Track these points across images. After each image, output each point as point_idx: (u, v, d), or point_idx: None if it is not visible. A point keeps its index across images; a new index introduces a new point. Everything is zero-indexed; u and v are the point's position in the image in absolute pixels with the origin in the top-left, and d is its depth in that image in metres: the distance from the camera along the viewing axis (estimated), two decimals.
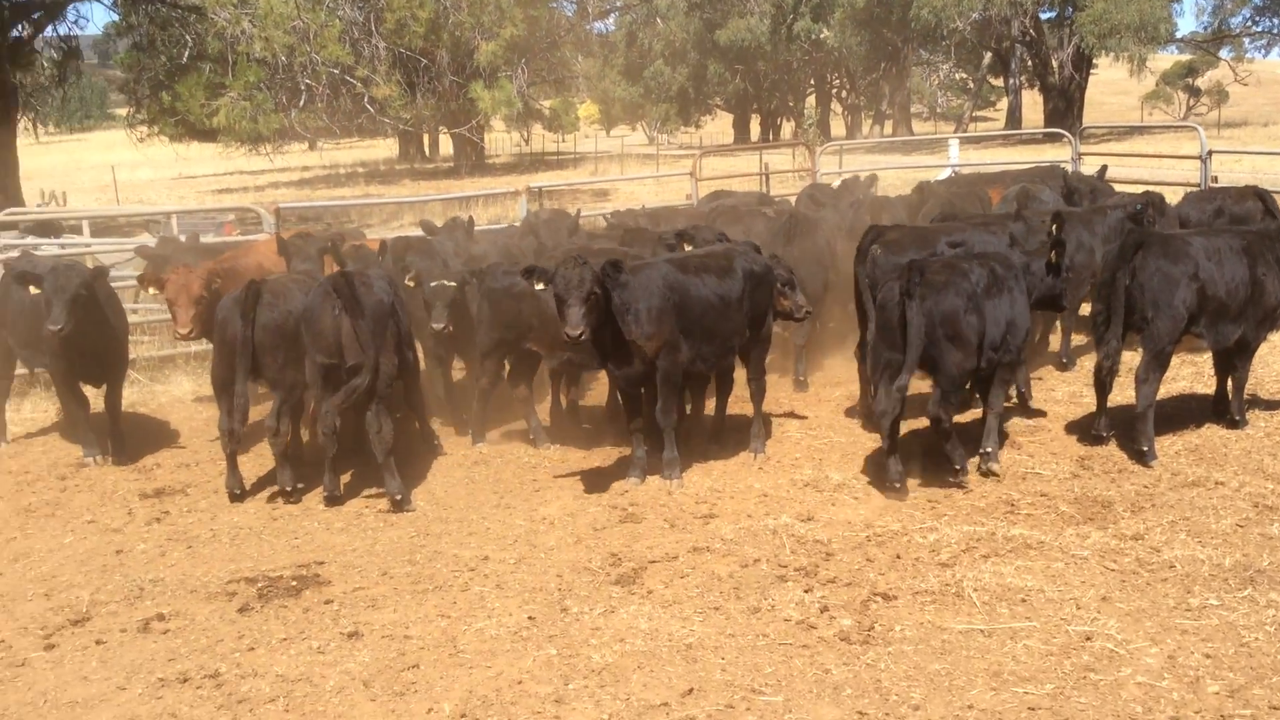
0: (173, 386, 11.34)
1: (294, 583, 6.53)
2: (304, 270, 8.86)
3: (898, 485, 7.59)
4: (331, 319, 7.59)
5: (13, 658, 5.80)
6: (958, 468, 7.67)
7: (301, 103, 24.47)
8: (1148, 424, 8.02)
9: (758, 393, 8.72)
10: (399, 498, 7.67)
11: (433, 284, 8.83)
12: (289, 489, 7.91)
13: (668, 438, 8.03)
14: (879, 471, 7.97)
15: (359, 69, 23.91)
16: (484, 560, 6.80)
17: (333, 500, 7.84)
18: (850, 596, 6.08)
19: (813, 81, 71.19)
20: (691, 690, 5.17)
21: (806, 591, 6.15)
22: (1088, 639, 5.51)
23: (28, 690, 5.46)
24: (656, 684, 5.24)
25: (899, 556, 6.61)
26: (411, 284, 8.98)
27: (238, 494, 8.05)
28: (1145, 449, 7.98)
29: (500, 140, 64.55)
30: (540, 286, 7.54)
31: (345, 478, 8.24)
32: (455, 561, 6.80)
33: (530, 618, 5.95)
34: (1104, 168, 13.68)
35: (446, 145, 58.29)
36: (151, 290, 8.97)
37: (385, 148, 61.69)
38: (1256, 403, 9.15)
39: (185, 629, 6.03)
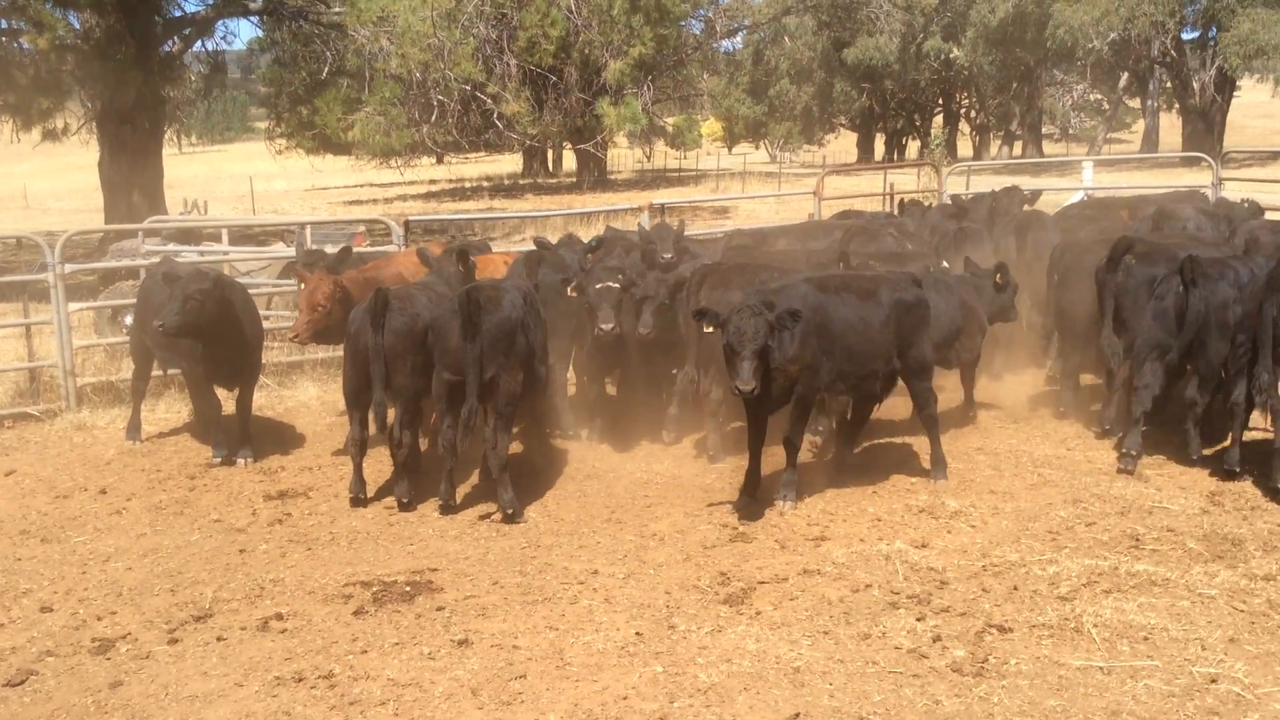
0: (299, 392, 11.74)
1: (407, 588, 6.69)
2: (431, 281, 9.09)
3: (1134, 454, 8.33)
4: (459, 335, 7.75)
5: (138, 650, 6.06)
6: (1194, 457, 8.38)
7: (433, 118, 25.11)
8: None
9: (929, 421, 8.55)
10: (511, 510, 7.79)
11: (598, 286, 8.90)
12: (405, 500, 8.10)
13: (791, 459, 8.00)
14: (995, 500, 7.83)
15: (490, 86, 24.45)
16: (593, 574, 6.86)
17: (448, 509, 8.01)
18: (964, 627, 5.96)
19: (940, 101, 70.15)
20: (798, 714, 5.13)
21: (919, 620, 6.05)
22: (1213, 681, 5.29)
23: (150, 683, 5.69)
24: (762, 706, 5.22)
25: (1016, 588, 6.45)
26: (573, 294, 9.08)
27: (361, 499, 8.29)
28: None
29: (623, 157, 65.22)
30: (709, 330, 7.54)
31: (463, 488, 8.43)
32: (565, 574, 6.88)
33: (638, 633, 5.98)
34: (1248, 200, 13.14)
35: (570, 161, 59.15)
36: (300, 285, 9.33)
37: (510, 162, 62.95)
38: None
39: (302, 629, 6.23)
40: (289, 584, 6.88)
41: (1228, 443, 8.30)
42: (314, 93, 29.68)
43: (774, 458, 8.20)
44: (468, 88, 23.46)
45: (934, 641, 5.79)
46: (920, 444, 9.00)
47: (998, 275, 10.01)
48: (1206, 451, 8.63)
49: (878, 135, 74.73)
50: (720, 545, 7.29)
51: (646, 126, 38.16)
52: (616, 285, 8.72)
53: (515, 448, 9.36)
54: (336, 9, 24.90)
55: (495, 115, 26.00)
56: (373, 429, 8.31)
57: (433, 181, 54.26)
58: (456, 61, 21.74)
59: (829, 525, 7.58)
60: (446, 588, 6.71)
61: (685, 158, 65.79)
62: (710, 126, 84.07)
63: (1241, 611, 6.04)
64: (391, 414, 8.25)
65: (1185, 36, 48.74)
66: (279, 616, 6.40)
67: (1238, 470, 8.11)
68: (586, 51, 29.61)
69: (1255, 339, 7.84)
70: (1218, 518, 7.47)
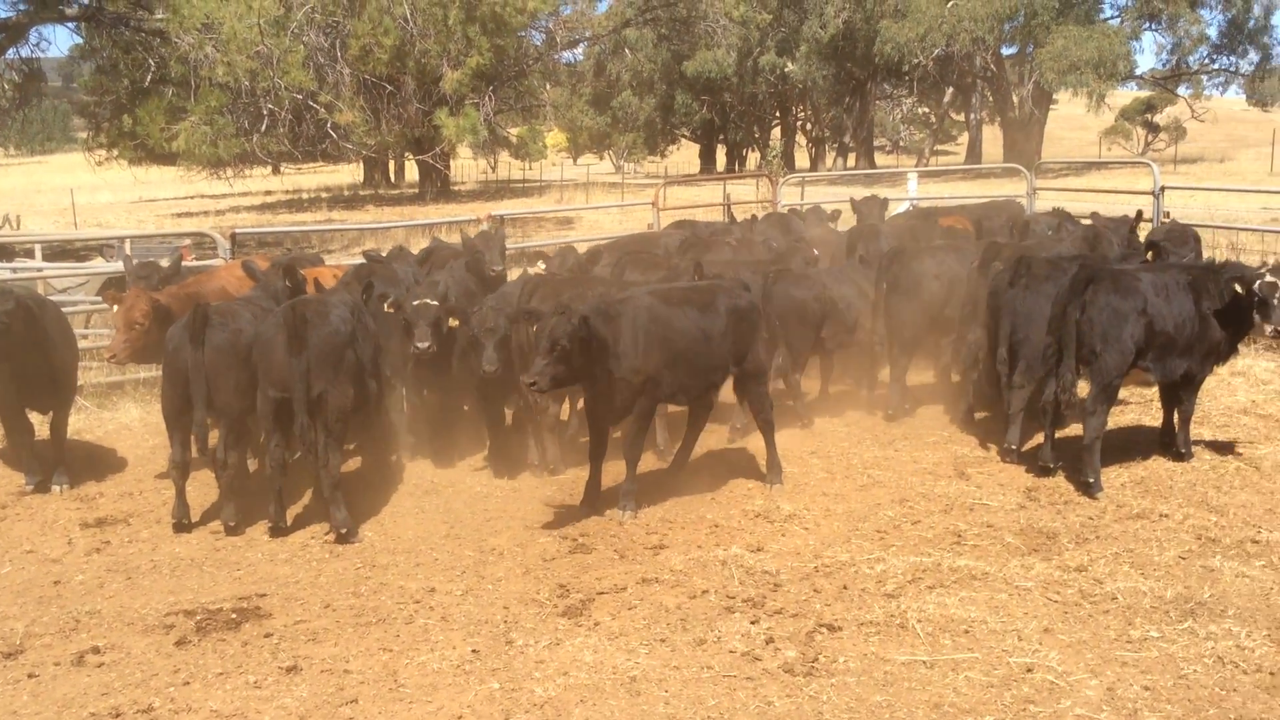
0: (120, 413, 11.19)
1: (234, 615, 6.44)
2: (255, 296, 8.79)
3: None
4: (284, 350, 7.52)
5: None
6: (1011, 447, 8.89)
7: (263, 127, 24.36)
8: (1095, 456, 8.11)
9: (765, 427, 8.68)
10: (344, 530, 7.59)
11: (415, 303, 8.70)
12: (232, 523, 7.80)
13: (631, 469, 8.04)
14: (828, 502, 8.06)
15: (323, 94, 23.87)
16: (430, 592, 6.74)
17: (277, 532, 7.75)
18: (796, 628, 6.08)
19: (778, 113, 71.91)
20: None
21: (753, 623, 6.15)
22: (1029, 670, 5.54)
23: None
24: (598, 717, 5.21)
25: (846, 587, 6.62)
26: (390, 309, 8.86)
27: (184, 525, 7.94)
28: (1091, 480, 8.06)
29: (466, 167, 64.58)
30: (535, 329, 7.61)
31: (294, 509, 8.17)
32: (400, 593, 6.73)
33: (474, 651, 5.90)
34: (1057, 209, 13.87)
35: (413, 171, 58.21)
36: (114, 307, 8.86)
37: (350, 173, 61.55)
38: (1202, 436, 9.26)
39: (120, 662, 5.92)
40: (107, 615, 6.54)
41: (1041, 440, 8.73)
42: (136, 101, 28.41)
43: (616, 468, 8.23)
44: (299, 96, 22.87)
45: (767, 644, 5.89)
46: (756, 450, 9.16)
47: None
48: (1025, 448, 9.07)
49: (719, 147, 76.10)
50: (560, 557, 7.26)
51: (489, 137, 37.82)
52: (435, 303, 8.59)
53: (349, 465, 9.14)
54: (159, 15, 23.90)
55: (329, 125, 25.39)
56: (196, 451, 7.98)
57: (268, 193, 52.61)
58: (286, 70, 21.19)
59: (668, 533, 7.64)
60: (275, 613, 6.48)
61: (530, 168, 65.66)
62: (555, 137, 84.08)
63: (1055, 602, 6.34)
64: (215, 434, 7.94)
65: (1005, 52, 51.29)
66: (96, 650, 6.07)
67: (1052, 466, 8.53)
68: (423, 61, 29.21)
69: (1060, 340, 8.26)
70: (1034, 513, 7.83)
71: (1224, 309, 8.42)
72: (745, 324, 8.33)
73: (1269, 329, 8.27)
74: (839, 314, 10.21)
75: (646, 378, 7.74)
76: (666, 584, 6.74)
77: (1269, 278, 8.18)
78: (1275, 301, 8.14)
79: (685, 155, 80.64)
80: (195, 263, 13.34)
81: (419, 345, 8.50)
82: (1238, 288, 8.29)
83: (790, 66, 57.65)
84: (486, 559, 7.27)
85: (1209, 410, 9.98)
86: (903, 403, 10.33)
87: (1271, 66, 53.14)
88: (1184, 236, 11.53)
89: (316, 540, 7.69)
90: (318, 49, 24.39)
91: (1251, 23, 51.92)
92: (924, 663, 5.67)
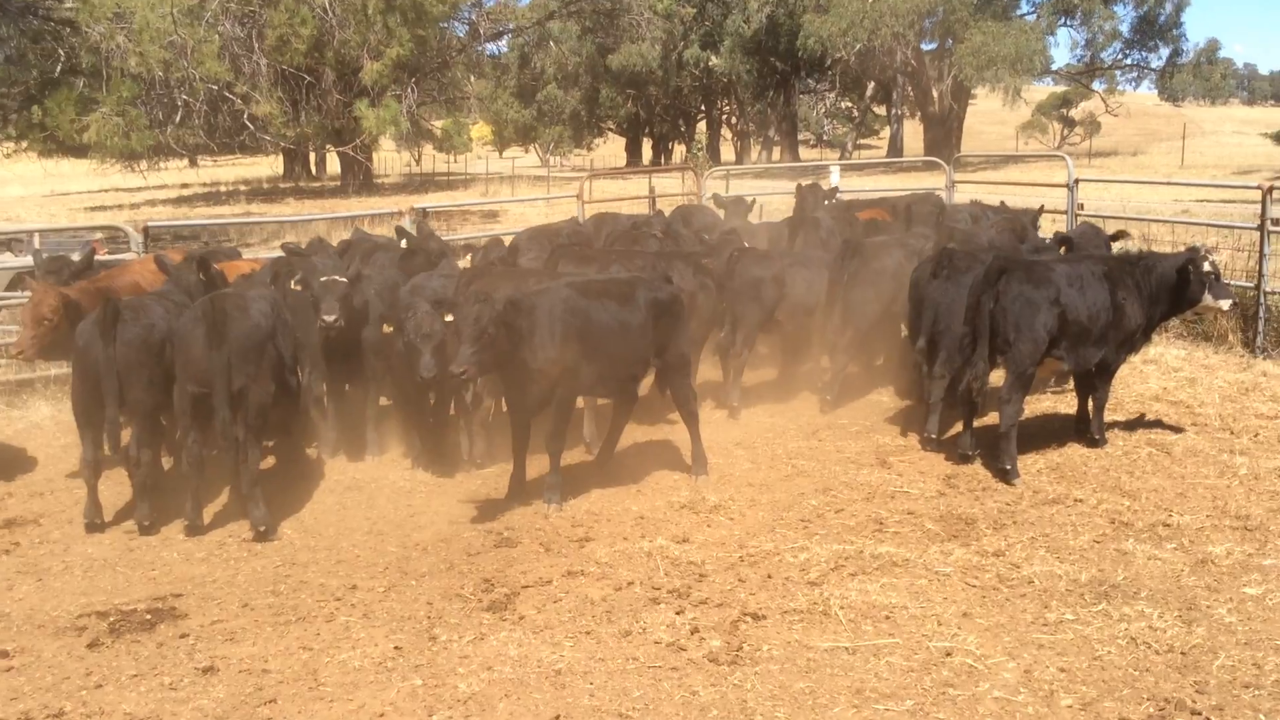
0: (31, 412, 10.86)
1: (148, 616, 6.28)
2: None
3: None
4: (203, 345, 7.35)
5: None
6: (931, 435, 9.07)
7: (178, 119, 23.77)
8: (1011, 443, 8.27)
9: (690, 419, 8.68)
10: (263, 528, 7.45)
11: (323, 279, 8.57)
12: (146, 523, 7.61)
13: (554, 461, 8.01)
14: (753, 492, 8.11)
15: (238, 85, 23.35)
16: (351, 589, 6.64)
17: (194, 530, 7.58)
18: (721, 617, 6.10)
19: (703, 107, 72.20)
20: (558, 717, 5.12)
21: (678, 613, 6.16)
22: (948, 655, 5.62)
23: None
24: (523, 712, 5.18)
25: (770, 576, 6.67)
26: (298, 287, 8.70)
27: (97, 524, 7.73)
28: (1008, 467, 8.22)
29: (390, 160, 63.79)
30: (449, 318, 7.56)
31: (211, 507, 8.00)
32: (321, 591, 6.63)
33: (397, 648, 5.83)
34: (973, 201, 14.13)
35: (334, 164, 57.33)
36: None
37: (269, 166, 60.43)
38: (1115, 422, 9.50)
39: (30, 666, 5.74)
40: (16, 618, 6.34)
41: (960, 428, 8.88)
42: (46, 92, 27.54)
43: (543, 462, 8.18)
44: (214, 87, 22.34)
45: (692, 634, 5.90)
46: (682, 442, 9.18)
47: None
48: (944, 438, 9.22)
49: (645, 140, 76.22)
50: (485, 551, 7.21)
51: (411, 130, 37.35)
52: (343, 279, 8.50)
53: (269, 462, 8.98)
54: (68, 4, 23.19)
55: (246, 116, 24.85)
56: (108, 448, 7.78)
57: (185, 186, 51.41)
58: (201, 60, 20.70)
59: (593, 526, 7.62)
60: (191, 613, 6.34)
61: (455, 161, 65.08)
62: (480, 130, 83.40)
63: (974, 587, 6.45)
64: (128, 432, 7.74)
65: (925, 48, 52.02)
66: (5, 654, 5.89)
67: (970, 454, 8.68)
68: (342, 51, 28.71)
69: (975, 330, 8.40)
70: (953, 499, 7.97)
71: (1154, 293, 8.71)
72: (667, 316, 8.33)
73: (1225, 304, 8.95)
74: (794, 296, 10.32)
75: (564, 369, 7.71)
76: (592, 576, 6.72)
77: (1212, 256, 8.72)
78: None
79: (612, 149, 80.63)
80: (108, 257, 12.98)
81: (326, 318, 8.40)
82: (1190, 268, 8.66)
83: (714, 60, 57.92)
84: (410, 554, 7.19)
85: (1122, 397, 10.23)
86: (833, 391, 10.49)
87: (1181, 62, 54.60)
88: (1097, 240, 11.84)
89: (234, 538, 7.54)
90: (233, 39, 23.83)
91: (1162, 18, 53.34)
92: (846, 649, 5.73)
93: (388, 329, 8.45)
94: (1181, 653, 5.59)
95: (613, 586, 6.56)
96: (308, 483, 8.66)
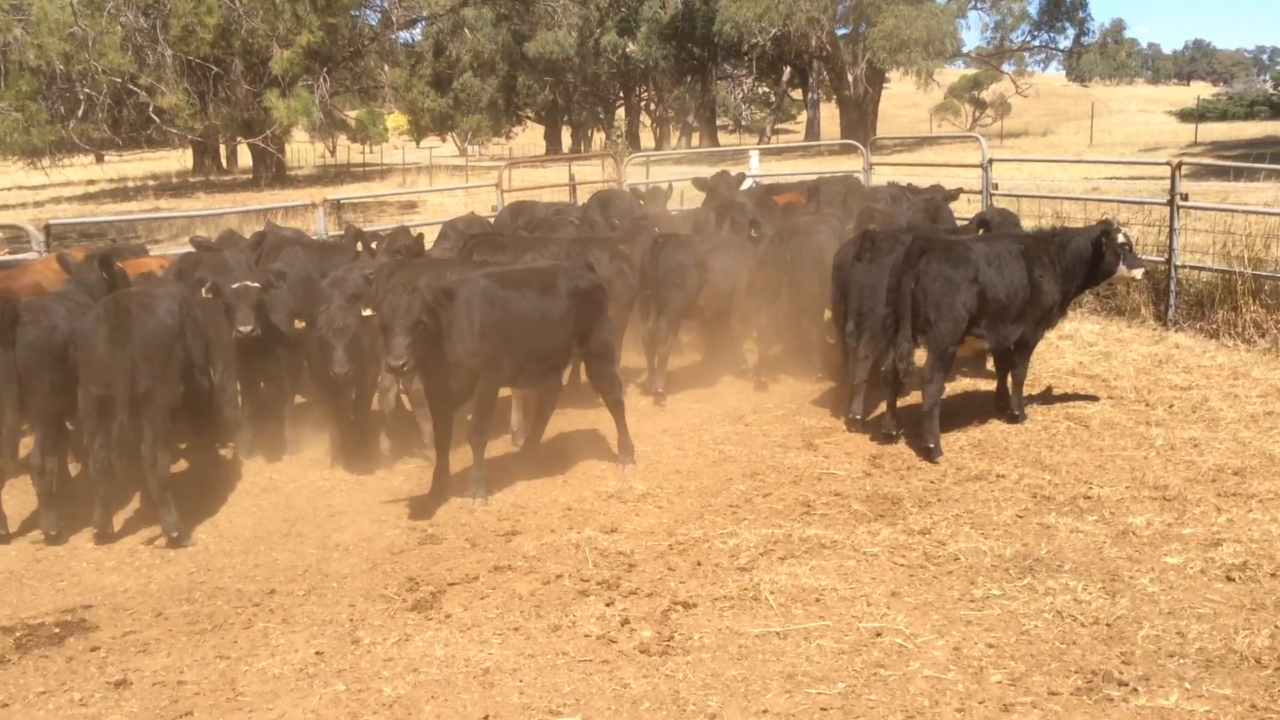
0: None
1: (57, 630, 6.01)
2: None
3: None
4: (105, 345, 7.06)
5: None
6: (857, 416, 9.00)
7: (80, 113, 22.96)
8: (934, 422, 8.33)
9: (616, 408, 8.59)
10: (176, 534, 7.20)
11: (235, 286, 8.29)
12: (53, 532, 7.30)
13: (478, 454, 7.86)
14: (681, 479, 8.06)
15: (142, 77, 22.61)
16: (270, 594, 6.44)
17: (104, 539, 7.29)
18: (651, 608, 6.03)
19: (621, 94, 71.98)
20: (487, 717, 5.01)
21: (608, 605, 6.07)
22: (878, 635, 5.62)
23: None
24: (450, 713, 5.05)
25: (700, 563, 6.61)
26: (209, 295, 8.40)
27: (1, 536, 7.40)
28: (932, 445, 8.28)
29: (304, 152, 62.52)
30: (368, 313, 7.33)
31: (123, 514, 7.72)
32: (238, 597, 6.42)
33: (318, 653, 5.65)
34: (891, 182, 14.23)
35: (246, 156, 56.04)
36: None
37: (179, 159, 58.86)
38: (1033, 397, 9.62)
39: None
40: None
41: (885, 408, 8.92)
42: None
43: (468, 455, 8.03)
44: (118, 80, 21.60)
45: (622, 625, 5.82)
46: (609, 431, 9.09)
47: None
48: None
49: (564, 128, 75.75)
50: (409, 549, 7.05)
51: (324, 120, 36.54)
52: (256, 285, 8.24)
53: (181, 465, 8.70)
54: None
55: (152, 109, 24.08)
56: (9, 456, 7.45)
57: (91, 182, 49.85)
58: (103, 52, 20.01)
59: (520, 519, 7.50)
60: (103, 625, 6.09)
61: (371, 152, 64.07)
62: (396, 120, 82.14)
63: (901, 566, 6.47)
64: (31, 439, 7.42)
65: (840, 32, 52.42)
66: None
67: (894, 434, 8.73)
68: (250, 41, 27.89)
69: (897, 311, 8.44)
70: (879, 479, 7.99)
71: (1069, 268, 8.85)
72: (588, 305, 8.22)
73: (1138, 273, 9.24)
74: (717, 281, 10.28)
75: (484, 360, 7.56)
76: (520, 571, 6.61)
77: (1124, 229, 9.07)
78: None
79: (531, 137, 79.99)
80: (7, 257, 12.47)
81: (241, 329, 8.14)
82: (1104, 239, 8.88)
83: (631, 47, 57.76)
84: (330, 556, 7.00)
85: (1039, 373, 10.37)
86: (757, 373, 10.54)
87: (1087, 42, 55.76)
88: (1010, 221, 12.08)
89: (146, 546, 7.27)
90: (137, 30, 23.04)
91: (1069, 1, 54.39)
92: (777, 634, 5.69)
93: (300, 324, 8.22)
94: (1107, 624, 5.65)
95: (541, 580, 6.45)
96: (223, 486, 8.39)
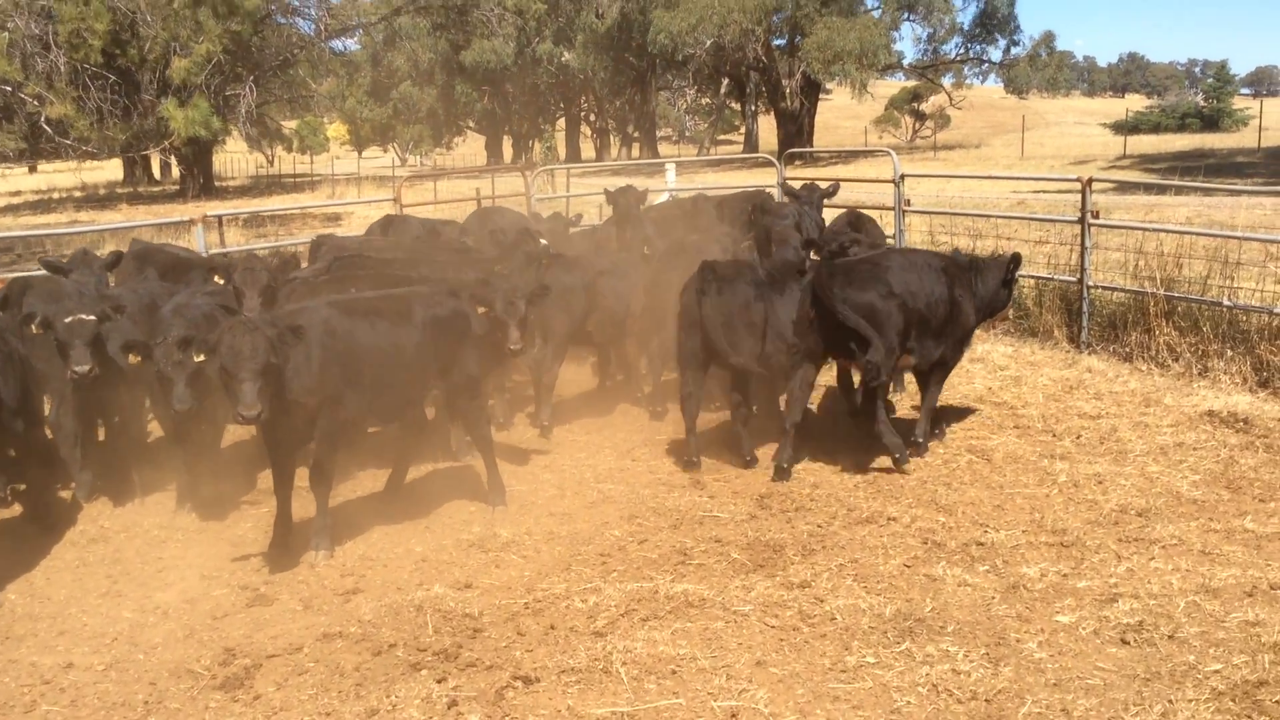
0: None
1: None
2: None
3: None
4: None
5: None
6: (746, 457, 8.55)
7: None
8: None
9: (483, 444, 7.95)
10: None
11: (68, 320, 7.48)
12: None
13: (321, 503, 7.15)
14: (553, 523, 7.43)
15: (30, 85, 21.55)
16: (67, 669, 5.71)
17: None
18: (487, 684, 5.37)
19: (562, 104, 71.42)
20: None
21: (439, 682, 5.40)
22: (733, 716, 5.02)
23: None
24: None
25: (553, 627, 5.97)
26: (39, 330, 7.60)
27: None
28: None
29: (238, 162, 61.25)
30: (200, 358, 6.60)
31: None
32: (30, 672, 5.68)
33: None
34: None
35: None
36: None
37: (113, 170, 57.29)
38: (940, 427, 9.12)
39: None
40: None
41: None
42: None
43: (343, 491, 7.33)
44: (7, 89, 20.57)
45: (449, 708, 5.17)
46: (483, 469, 8.42)
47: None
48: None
49: (505, 138, 75.00)
50: (234, 613, 6.33)
51: (251, 131, 35.53)
52: (91, 318, 7.44)
53: (14, 510, 7.93)
54: None
55: (43, 119, 23.00)
56: None
57: (17, 193, 48.31)
58: None
59: (365, 573, 6.81)
60: None
61: (312, 162, 62.99)
62: (336, 130, 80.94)
63: (772, 628, 5.87)
64: None
65: (776, 43, 52.25)
66: None
67: (787, 467, 8.17)
68: (147, 48, 26.73)
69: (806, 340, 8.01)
70: (764, 522, 7.41)
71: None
72: (448, 334, 7.54)
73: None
74: (608, 305, 9.70)
75: (324, 399, 6.84)
76: (350, 639, 5.92)
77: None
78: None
79: (472, 147, 79.17)
80: None
81: (77, 370, 7.35)
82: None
83: (568, 56, 57.24)
84: (146, 621, 6.26)
85: (946, 399, 9.86)
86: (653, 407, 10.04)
87: (1018, 54, 56.08)
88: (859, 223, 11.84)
89: None
90: (27, 36, 21.95)
91: (1002, 12, 54.67)
92: (626, 714, 5.07)
93: (134, 360, 7.44)
94: (986, 700, 5.09)
95: (371, 651, 5.77)
96: (48, 536, 7.61)
